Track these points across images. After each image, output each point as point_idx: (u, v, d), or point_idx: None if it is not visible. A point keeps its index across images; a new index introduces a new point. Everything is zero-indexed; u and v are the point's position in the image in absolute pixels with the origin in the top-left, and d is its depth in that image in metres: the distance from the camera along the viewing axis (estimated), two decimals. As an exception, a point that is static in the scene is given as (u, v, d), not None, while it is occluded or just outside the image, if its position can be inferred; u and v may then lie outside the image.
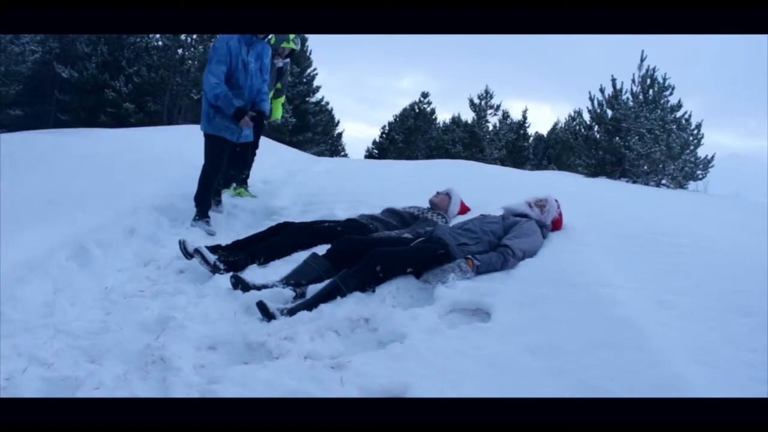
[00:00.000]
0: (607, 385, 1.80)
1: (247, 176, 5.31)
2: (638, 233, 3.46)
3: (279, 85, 5.44)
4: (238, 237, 3.77)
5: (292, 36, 5.07)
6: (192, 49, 20.56)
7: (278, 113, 5.66)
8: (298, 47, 5.20)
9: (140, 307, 2.76)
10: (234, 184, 5.25)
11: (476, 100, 24.79)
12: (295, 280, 2.93)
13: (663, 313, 2.33)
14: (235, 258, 3.30)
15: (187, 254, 3.29)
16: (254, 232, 3.80)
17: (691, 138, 13.29)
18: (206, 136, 4.34)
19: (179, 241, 3.38)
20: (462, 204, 4.14)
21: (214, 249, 3.37)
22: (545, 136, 27.74)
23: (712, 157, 13.25)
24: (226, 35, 4.27)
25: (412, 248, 3.03)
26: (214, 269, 3.18)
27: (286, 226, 3.72)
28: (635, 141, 12.97)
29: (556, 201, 3.55)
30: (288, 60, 5.42)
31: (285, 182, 5.91)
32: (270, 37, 4.99)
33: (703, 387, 1.73)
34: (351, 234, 3.50)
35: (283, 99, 5.63)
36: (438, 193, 4.10)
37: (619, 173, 13.27)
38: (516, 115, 33.19)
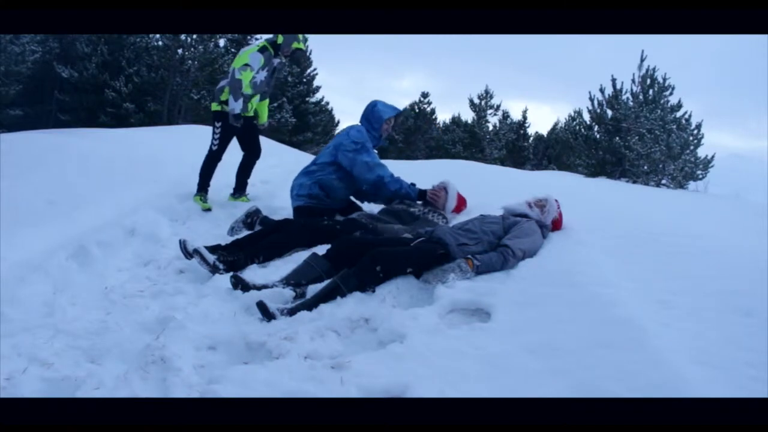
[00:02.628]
0: (607, 385, 1.80)
1: (246, 184, 5.17)
2: (638, 233, 3.46)
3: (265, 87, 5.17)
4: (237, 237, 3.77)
5: (301, 35, 4.82)
6: (192, 49, 20.56)
7: (264, 116, 5.26)
8: (305, 47, 5.14)
9: (140, 307, 2.76)
10: (236, 193, 5.10)
11: (476, 100, 24.82)
12: (295, 280, 2.93)
13: (663, 313, 2.33)
14: (234, 258, 3.30)
15: (187, 254, 3.29)
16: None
17: (691, 138, 13.30)
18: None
19: (179, 241, 3.38)
20: (459, 197, 4.14)
21: (213, 249, 3.36)
22: (545, 136, 27.75)
23: (712, 157, 13.26)
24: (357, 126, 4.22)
25: (412, 248, 3.03)
26: (214, 269, 3.18)
27: (287, 223, 3.72)
28: (635, 141, 12.99)
29: (556, 201, 3.55)
30: (283, 60, 5.12)
31: (285, 182, 5.89)
32: (278, 37, 4.79)
33: (703, 387, 1.73)
34: (351, 234, 3.50)
35: (267, 101, 5.25)
36: (433, 186, 4.12)
37: (619, 173, 13.29)
38: (516, 115, 33.22)
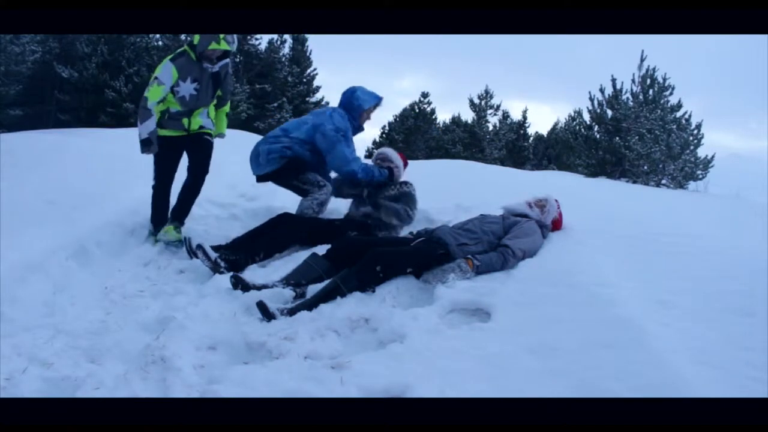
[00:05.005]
0: (607, 385, 1.80)
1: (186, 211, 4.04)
2: (638, 233, 3.47)
3: (219, 92, 4.16)
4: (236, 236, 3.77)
5: (221, 35, 3.78)
6: (192, 49, 20.53)
7: (223, 127, 4.36)
8: (232, 47, 3.92)
9: (140, 307, 2.77)
10: (172, 219, 3.95)
11: (476, 100, 24.79)
12: (295, 280, 2.94)
13: (663, 313, 2.33)
14: (235, 257, 3.31)
15: (191, 250, 3.31)
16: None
17: (691, 138, 13.29)
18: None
19: (184, 238, 3.41)
20: (402, 156, 4.27)
21: (215, 248, 3.38)
22: (545, 136, 27.75)
23: (712, 157, 13.24)
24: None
25: (412, 248, 3.03)
26: (215, 266, 3.19)
27: (286, 217, 3.77)
28: (635, 141, 12.97)
29: (556, 201, 3.55)
30: (227, 62, 4.07)
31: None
32: (194, 37, 3.89)
33: (703, 387, 1.73)
34: (349, 232, 3.53)
35: (226, 108, 4.37)
36: (376, 159, 4.28)
37: (619, 173, 13.27)
38: (516, 115, 33.21)
